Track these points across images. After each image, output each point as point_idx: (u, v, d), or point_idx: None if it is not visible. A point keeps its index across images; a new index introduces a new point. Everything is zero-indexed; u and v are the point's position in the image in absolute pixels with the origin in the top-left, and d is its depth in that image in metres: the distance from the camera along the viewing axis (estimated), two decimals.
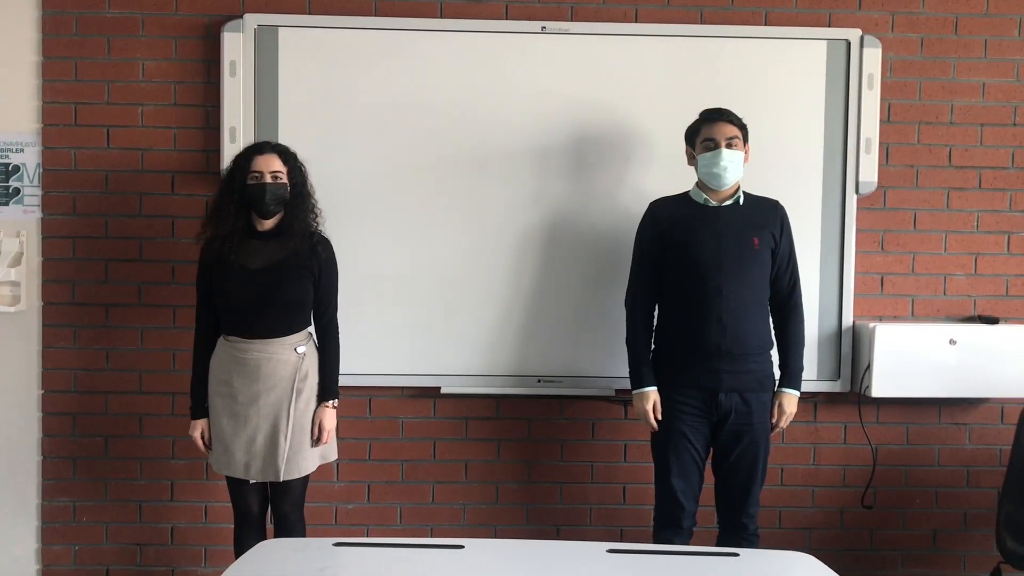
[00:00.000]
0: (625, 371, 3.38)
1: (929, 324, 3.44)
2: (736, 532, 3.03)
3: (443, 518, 3.52)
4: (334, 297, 3.06)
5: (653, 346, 3.09)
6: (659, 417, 3.00)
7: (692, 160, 3.05)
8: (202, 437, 3.03)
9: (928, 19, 3.45)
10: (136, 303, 3.42)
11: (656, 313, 3.09)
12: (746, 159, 2.99)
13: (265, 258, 2.95)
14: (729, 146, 2.94)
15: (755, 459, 2.99)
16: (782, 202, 3.06)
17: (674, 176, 3.15)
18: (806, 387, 3.40)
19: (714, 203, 2.98)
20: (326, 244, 3.03)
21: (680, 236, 2.97)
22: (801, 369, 3.04)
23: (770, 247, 2.98)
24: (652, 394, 3.00)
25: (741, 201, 2.99)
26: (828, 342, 3.43)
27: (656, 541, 3.03)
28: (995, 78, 3.47)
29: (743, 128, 2.99)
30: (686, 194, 3.05)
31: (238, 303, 2.96)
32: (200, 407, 3.03)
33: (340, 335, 3.08)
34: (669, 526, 3.02)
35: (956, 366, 3.33)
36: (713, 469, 3.08)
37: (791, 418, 3.03)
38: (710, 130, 2.96)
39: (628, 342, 3.07)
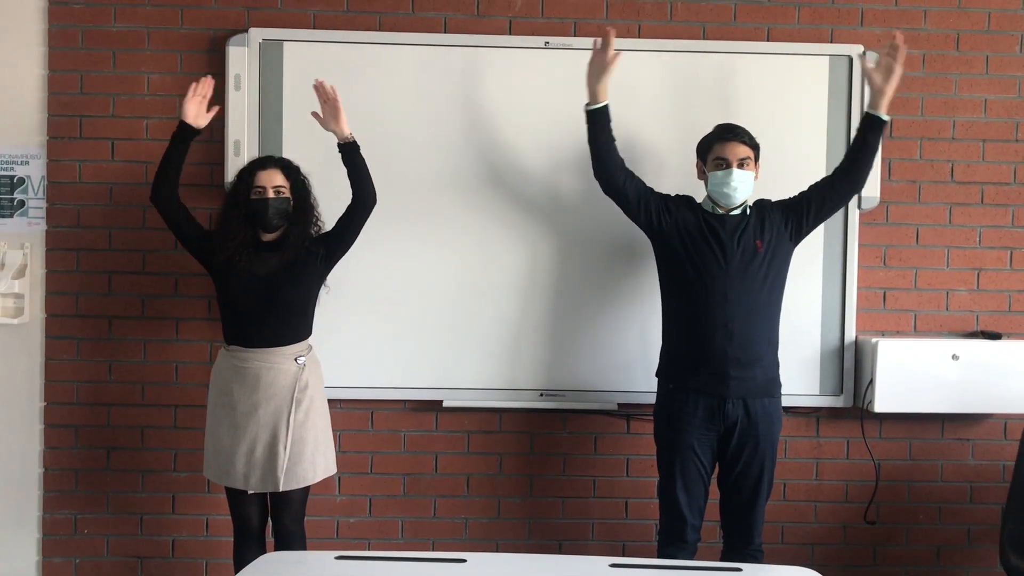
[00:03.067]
0: (628, 385, 3.39)
1: (932, 339, 3.43)
2: (741, 547, 3.03)
3: (445, 532, 3.51)
4: (335, 225, 3.05)
5: (660, 354, 3.10)
6: (598, 87, 2.96)
7: (702, 175, 3.06)
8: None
9: (930, 35, 3.47)
10: (139, 315, 3.43)
11: (664, 321, 3.11)
12: (756, 177, 3.01)
13: (268, 266, 2.97)
14: (741, 166, 2.94)
15: (760, 473, 2.98)
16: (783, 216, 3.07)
17: (683, 189, 3.15)
18: (807, 402, 3.42)
19: (721, 211, 3.00)
20: (315, 241, 3.03)
21: (687, 238, 2.97)
22: (858, 131, 3.00)
23: (785, 240, 2.99)
24: (601, 96, 2.96)
25: (748, 212, 3.01)
26: (830, 357, 3.42)
27: (661, 556, 3.02)
28: (997, 94, 3.48)
29: (755, 147, 3.00)
30: (698, 203, 3.06)
31: (241, 308, 2.97)
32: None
33: (344, 344, 3.23)
34: (674, 541, 3.02)
35: (959, 382, 3.33)
36: (718, 483, 3.07)
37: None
38: (723, 149, 2.96)
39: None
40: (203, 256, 3.04)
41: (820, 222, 3.07)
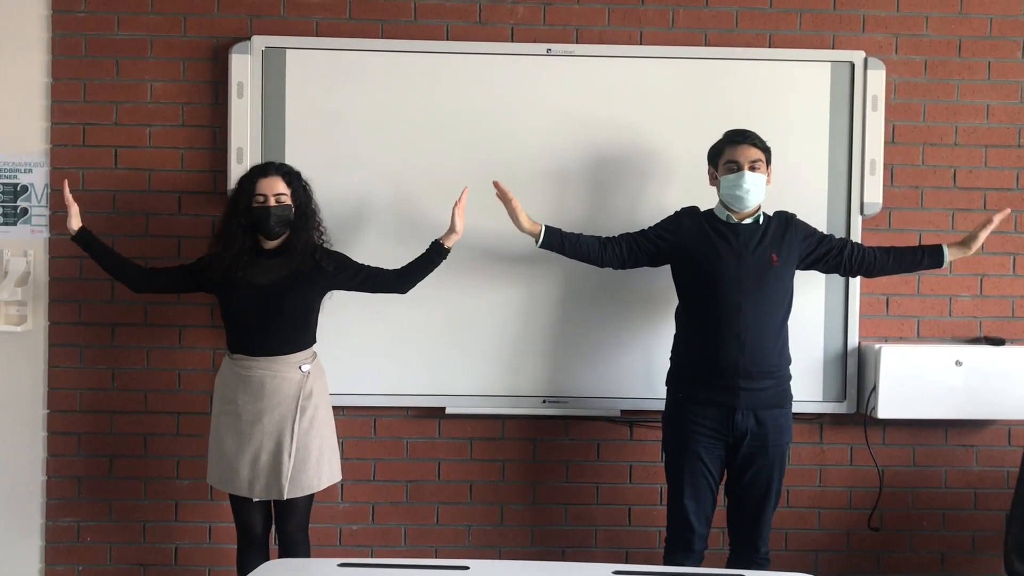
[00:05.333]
0: (631, 392, 3.39)
1: (935, 345, 3.43)
2: (747, 555, 3.02)
3: (448, 539, 3.50)
4: (363, 266, 3.10)
5: (670, 362, 3.10)
6: (520, 216, 3.03)
7: (714, 180, 3.05)
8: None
9: (932, 41, 3.47)
10: (142, 323, 3.43)
11: (676, 328, 3.11)
12: (768, 181, 3.00)
13: (270, 275, 2.97)
14: (752, 169, 2.94)
15: (769, 482, 2.97)
16: None
17: (689, 194, 3.16)
18: (810, 408, 3.42)
19: (736, 220, 2.99)
20: (327, 255, 3.05)
21: (701, 250, 2.97)
22: (922, 250, 3.12)
23: (794, 260, 3.00)
24: (534, 227, 3.04)
25: (761, 220, 3.00)
26: (834, 363, 3.42)
27: (666, 563, 3.01)
28: (999, 100, 3.48)
29: (767, 151, 3.00)
30: (711, 211, 3.05)
31: (243, 318, 2.98)
32: (90, 235, 3.09)
33: (345, 351, 3.27)
34: (680, 549, 3.00)
35: (962, 387, 3.32)
36: (726, 491, 3.07)
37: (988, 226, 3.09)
38: (734, 152, 2.96)
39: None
40: (202, 284, 3.07)
41: (817, 270, 3.14)
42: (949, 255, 3.10)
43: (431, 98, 3.37)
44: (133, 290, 3.15)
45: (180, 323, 3.43)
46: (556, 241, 3.06)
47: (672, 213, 3.10)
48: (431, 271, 3.11)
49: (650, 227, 3.10)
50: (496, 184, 3.06)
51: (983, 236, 3.09)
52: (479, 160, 3.36)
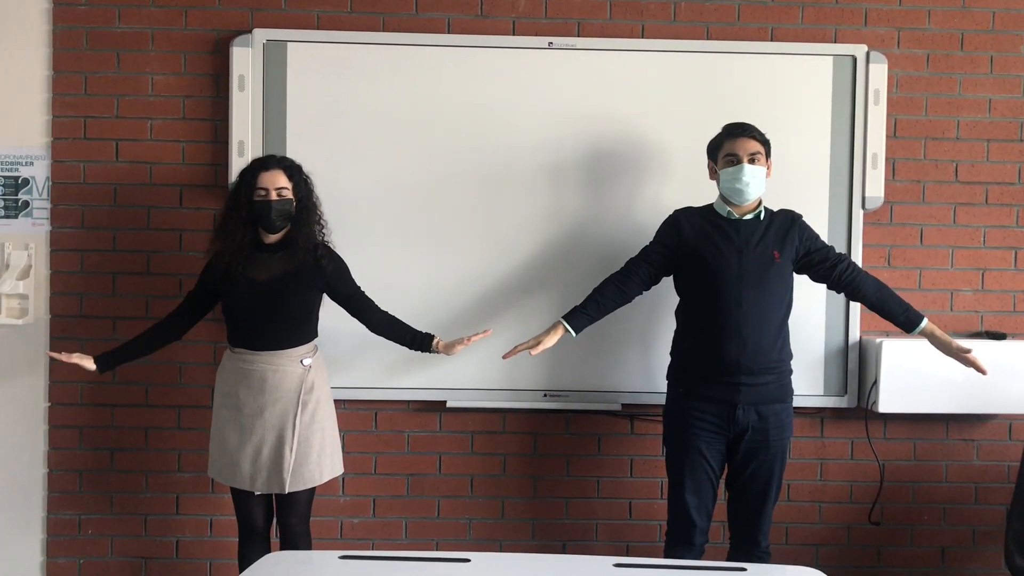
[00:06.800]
0: (632, 385, 3.39)
1: None
2: (747, 549, 3.02)
3: (449, 533, 3.51)
4: (358, 288, 3.09)
5: (671, 358, 3.09)
6: (544, 343, 2.98)
7: (714, 174, 3.04)
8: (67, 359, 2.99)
9: (934, 35, 3.46)
10: (143, 316, 3.42)
11: (676, 324, 3.10)
12: (768, 174, 2.99)
13: (271, 270, 2.96)
14: (752, 161, 2.93)
15: (770, 476, 2.97)
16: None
17: (688, 188, 3.16)
18: (811, 402, 3.42)
19: (736, 216, 2.98)
20: (329, 255, 3.04)
21: (702, 248, 2.95)
22: (908, 307, 3.00)
23: (791, 259, 2.98)
24: (559, 331, 2.99)
25: (762, 216, 2.99)
26: (835, 357, 3.42)
27: (667, 557, 3.00)
28: (1001, 94, 3.48)
29: (766, 143, 2.98)
30: (710, 206, 3.04)
31: (244, 315, 2.98)
32: (109, 355, 3.05)
33: (349, 346, 3.25)
34: (680, 543, 3.01)
35: (963, 382, 3.30)
36: (727, 484, 3.07)
37: (958, 347, 2.97)
38: (732, 145, 2.95)
39: (594, 288, 3.04)
40: (213, 291, 3.04)
41: (807, 275, 3.08)
42: (924, 328, 2.98)
43: (432, 91, 3.36)
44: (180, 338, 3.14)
45: None
46: (585, 321, 3.02)
47: (666, 218, 3.08)
48: (404, 346, 3.10)
49: (651, 243, 3.07)
50: (505, 357, 3.03)
51: (955, 349, 2.98)
52: (479, 153, 3.36)
